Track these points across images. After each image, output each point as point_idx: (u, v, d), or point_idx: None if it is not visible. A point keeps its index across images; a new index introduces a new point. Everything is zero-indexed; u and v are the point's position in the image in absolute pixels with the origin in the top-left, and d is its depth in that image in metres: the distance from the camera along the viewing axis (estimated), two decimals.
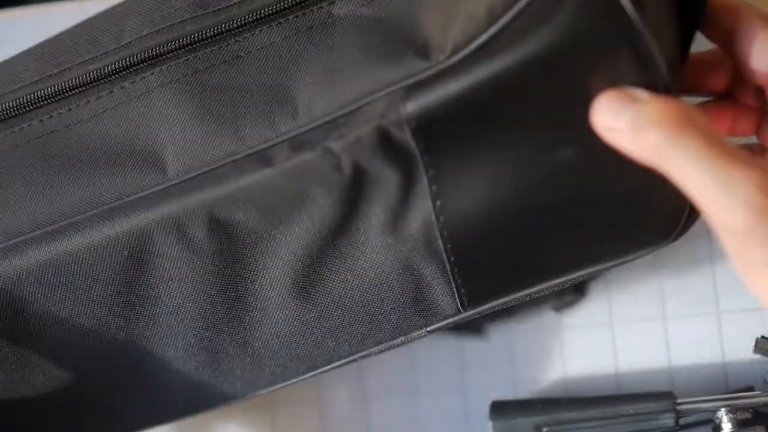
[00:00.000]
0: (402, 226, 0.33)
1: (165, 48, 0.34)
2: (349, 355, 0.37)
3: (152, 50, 0.34)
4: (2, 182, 0.35)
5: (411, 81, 0.31)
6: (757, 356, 0.43)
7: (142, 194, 0.33)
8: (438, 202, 0.33)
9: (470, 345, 0.46)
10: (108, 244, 0.34)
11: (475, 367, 0.46)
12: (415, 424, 0.46)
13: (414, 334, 0.37)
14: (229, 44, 0.34)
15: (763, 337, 0.42)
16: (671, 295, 0.44)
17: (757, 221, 0.26)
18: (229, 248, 0.34)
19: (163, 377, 0.37)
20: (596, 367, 0.45)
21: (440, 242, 0.34)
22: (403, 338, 0.37)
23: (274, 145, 0.32)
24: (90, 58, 0.35)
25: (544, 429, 0.42)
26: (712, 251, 0.44)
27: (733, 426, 0.40)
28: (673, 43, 0.32)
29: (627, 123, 0.28)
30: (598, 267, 0.35)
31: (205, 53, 0.34)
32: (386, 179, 0.33)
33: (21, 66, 0.37)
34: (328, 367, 0.38)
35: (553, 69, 0.30)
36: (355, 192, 0.33)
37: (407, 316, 0.36)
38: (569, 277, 0.36)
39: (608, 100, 0.29)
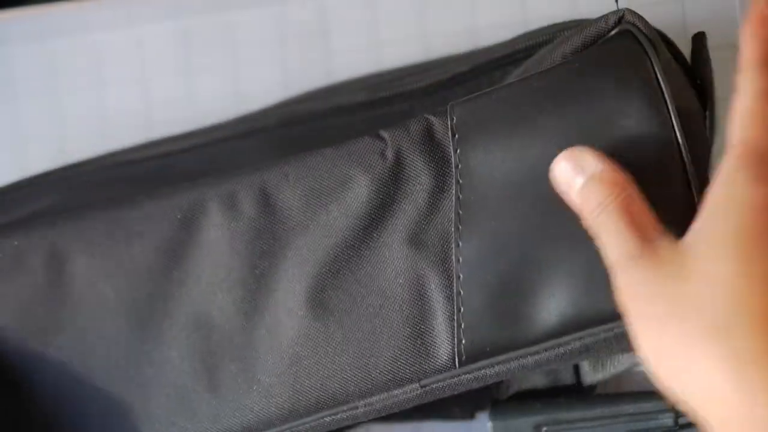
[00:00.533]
0: (423, 237, 0.34)
1: None
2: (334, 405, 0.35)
3: None
4: None
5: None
6: None
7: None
8: (460, 212, 0.34)
9: None
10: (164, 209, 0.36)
11: None
12: (415, 426, 0.46)
13: (404, 389, 0.35)
14: None
15: None
16: None
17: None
18: (268, 227, 0.36)
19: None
20: None
21: (453, 258, 0.34)
22: (389, 394, 0.35)
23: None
24: None
25: (544, 429, 0.42)
26: None
27: None
28: None
29: (579, 184, 0.31)
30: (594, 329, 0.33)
31: None
32: (421, 181, 0.34)
33: None
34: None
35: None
36: (391, 187, 0.34)
37: (404, 351, 0.34)
38: (567, 338, 0.33)
39: (568, 158, 0.31)
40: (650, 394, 0.42)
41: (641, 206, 0.30)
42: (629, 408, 0.42)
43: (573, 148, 0.31)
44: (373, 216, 0.34)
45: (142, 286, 0.36)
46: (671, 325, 0.28)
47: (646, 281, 0.29)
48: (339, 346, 0.35)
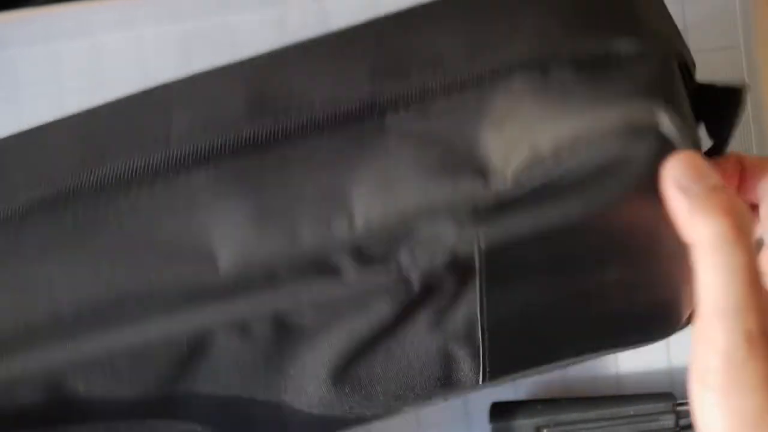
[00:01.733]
0: (447, 322, 0.34)
1: (218, 149, 0.33)
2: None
3: (204, 150, 0.33)
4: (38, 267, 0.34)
5: (473, 204, 0.32)
6: None
7: (197, 291, 0.33)
8: (484, 300, 0.33)
9: None
10: (168, 338, 0.33)
11: None
12: (415, 425, 0.46)
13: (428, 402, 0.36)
14: (283, 147, 0.33)
15: None
16: None
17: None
18: (283, 340, 0.34)
19: None
20: (596, 368, 0.45)
21: (479, 333, 0.34)
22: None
23: (333, 251, 0.32)
24: (135, 150, 0.34)
25: (544, 430, 0.42)
26: None
27: None
28: None
29: (695, 195, 0.29)
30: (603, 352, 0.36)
31: (258, 155, 0.33)
32: (446, 287, 0.33)
33: (57, 143, 0.36)
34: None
35: (619, 215, 0.32)
36: (417, 301, 0.33)
37: (431, 391, 0.35)
38: (581, 358, 0.35)
39: (687, 162, 0.30)
40: (651, 395, 0.42)
41: None
42: (630, 409, 0.42)
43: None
44: (397, 320, 0.34)
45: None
46: None
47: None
48: None
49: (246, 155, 0.33)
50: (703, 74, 0.44)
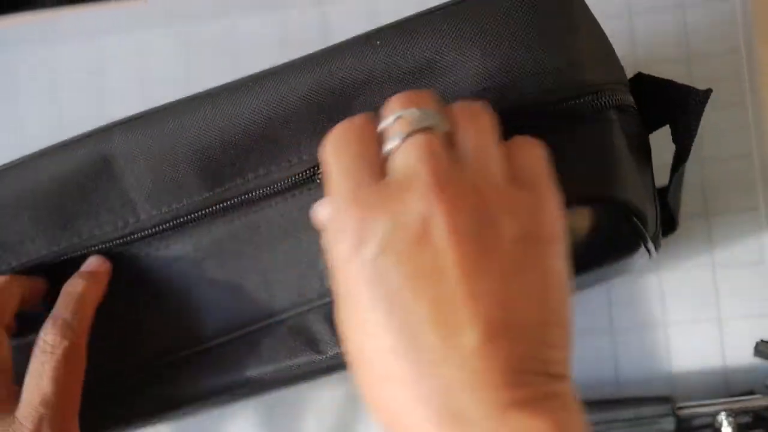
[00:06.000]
0: None
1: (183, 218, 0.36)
2: None
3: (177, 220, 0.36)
4: None
5: None
6: (757, 360, 0.43)
7: None
8: None
9: None
10: None
11: None
12: None
13: None
14: (248, 214, 0.36)
15: (763, 340, 0.42)
16: (672, 300, 0.44)
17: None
18: None
19: None
20: (596, 371, 0.45)
21: None
22: None
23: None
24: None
25: None
26: (713, 257, 0.44)
27: (733, 430, 0.40)
28: None
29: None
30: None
31: (224, 222, 0.36)
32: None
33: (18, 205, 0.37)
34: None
35: None
36: None
37: None
38: None
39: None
40: (651, 399, 0.42)
41: None
42: (629, 412, 0.42)
43: None
44: None
45: None
46: None
47: None
48: None
49: (213, 221, 0.36)
50: (703, 77, 0.44)
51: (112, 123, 0.35)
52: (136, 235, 0.36)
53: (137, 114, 0.35)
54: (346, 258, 0.26)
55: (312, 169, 0.34)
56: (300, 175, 0.34)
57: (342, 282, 0.26)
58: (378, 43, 0.32)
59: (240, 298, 0.36)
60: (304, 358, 0.35)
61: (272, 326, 0.36)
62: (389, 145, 0.27)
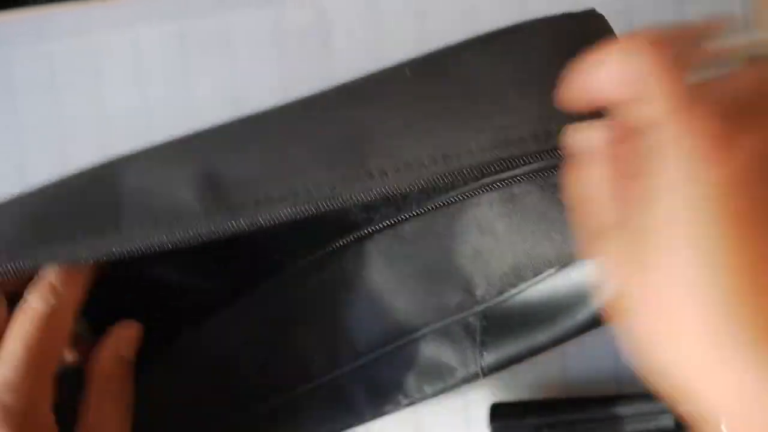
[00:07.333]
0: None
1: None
2: None
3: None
4: None
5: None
6: None
7: None
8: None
9: None
10: None
11: None
12: (415, 426, 0.46)
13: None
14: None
15: None
16: None
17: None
18: None
19: None
20: (596, 368, 0.45)
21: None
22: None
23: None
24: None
25: (544, 430, 0.42)
26: None
27: None
28: None
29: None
30: None
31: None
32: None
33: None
34: None
35: None
36: None
37: None
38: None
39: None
40: (649, 395, 0.42)
41: None
42: (629, 410, 0.42)
43: None
44: None
45: None
46: None
47: None
48: None
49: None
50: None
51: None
52: None
53: None
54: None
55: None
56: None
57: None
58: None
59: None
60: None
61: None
62: None
